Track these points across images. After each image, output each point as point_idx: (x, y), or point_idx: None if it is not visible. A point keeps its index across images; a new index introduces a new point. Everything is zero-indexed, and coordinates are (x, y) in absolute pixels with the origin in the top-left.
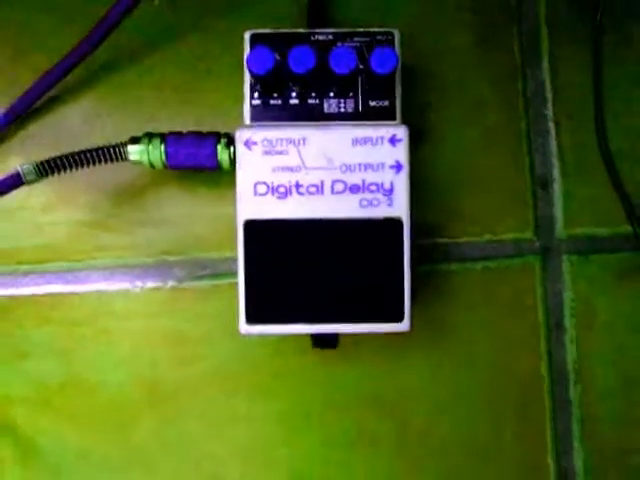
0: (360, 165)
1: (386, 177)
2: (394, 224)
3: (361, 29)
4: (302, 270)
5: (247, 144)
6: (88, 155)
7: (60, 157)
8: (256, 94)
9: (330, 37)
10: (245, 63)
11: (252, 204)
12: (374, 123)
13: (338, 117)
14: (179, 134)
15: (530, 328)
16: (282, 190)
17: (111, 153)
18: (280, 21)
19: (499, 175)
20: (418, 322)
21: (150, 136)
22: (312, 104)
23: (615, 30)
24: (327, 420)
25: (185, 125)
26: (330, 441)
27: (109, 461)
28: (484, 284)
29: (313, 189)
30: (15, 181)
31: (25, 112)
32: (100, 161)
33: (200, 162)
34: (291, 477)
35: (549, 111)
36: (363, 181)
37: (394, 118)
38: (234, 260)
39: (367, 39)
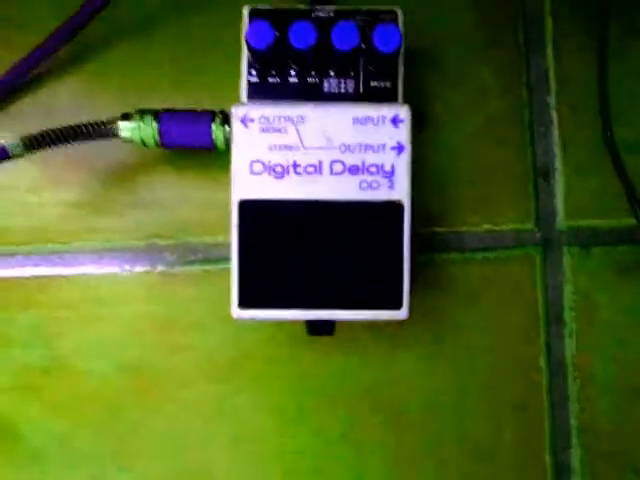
0: (360, 145)
1: (387, 159)
2: (394, 207)
3: (364, 7)
4: (298, 253)
5: (243, 121)
6: (77, 130)
7: (47, 132)
8: (254, 71)
9: (331, 14)
10: (244, 38)
11: (247, 183)
12: (375, 104)
13: (338, 97)
14: (173, 111)
15: (529, 321)
16: (279, 169)
17: (101, 129)
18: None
19: (500, 164)
20: (415, 312)
21: (142, 113)
22: (311, 83)
23: (621, 19)
24: (320, 411)
25: (180, 104)
26: (323, 433)
27: (93, 449)
28: (483, 275)
29: (311, 169)
30: (0, 155)
31: (13, 88)
32: (89, 137)
33: (194, 141)
34: (282, 470)
35: (552, 100)
36: (363, 162)
37: (396, 100)
38: (226, 245)
39: (369, 18)
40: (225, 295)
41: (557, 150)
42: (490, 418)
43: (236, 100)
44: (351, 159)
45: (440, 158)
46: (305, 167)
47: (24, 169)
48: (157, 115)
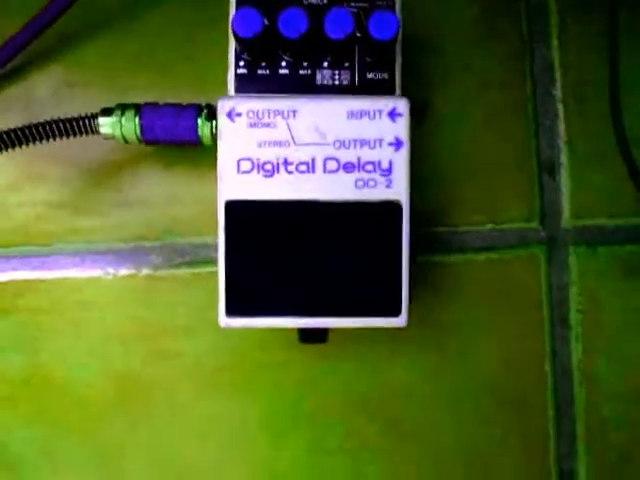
0: (355, 141)
1: (384, 155)
2: (392, 207)
3: None
4: (289, 257)
5: (230, 115)
6: (54, 126)
7: (22, 128)
8: (242, 62)
9: (324, 1)
10: (230, 26)
11: (235, 183)
12: (372, 96)
13: (332, 89)
14: (155, 105)
15: (533, 324)
16: (268, 167)
17: (80, 125)
18: None
19: (503, 159)
20: (414, 317)
21: (123, 107)
22: (304, 75)
23: (631, 6)
24: (314, 421)
25: (164, 97)
26: (317, 443)
27: (76, 460)
28: (486, 276)
29: (303, 167)
30: None
31: None
32: (68, 134)
33: (179, 136)
34: None
35: (557, 92)
36: (359, 159)
37: (393, 92)
38: (215, 246)
39: (365, 4)
40: (214, 299)
41: (563, 144)
42: (492, 426)
43: (224, 93)
44: (346, 156)
45: (440, 153)
46: (297, 165)
47: (1, 168)
48: (139, 109)
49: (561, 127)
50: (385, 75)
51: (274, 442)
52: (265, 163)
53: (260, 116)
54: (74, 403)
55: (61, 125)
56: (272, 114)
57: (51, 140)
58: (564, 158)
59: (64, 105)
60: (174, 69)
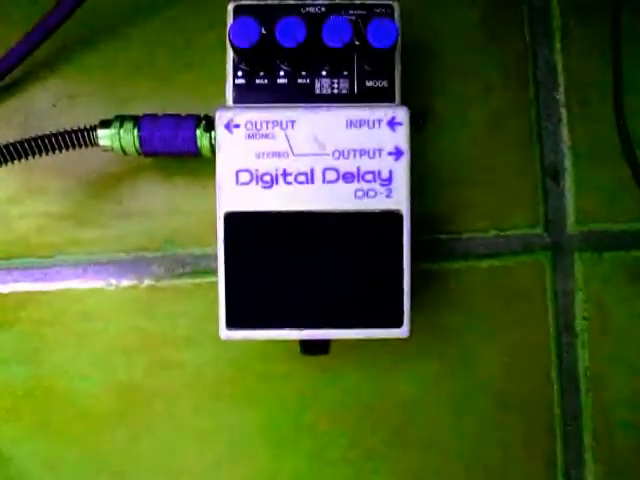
0: (355, 151)
1: (384, 165)
2: (393, 217)
3: (357, 1)
4: (289, 269)
5: (228, 127)
6: (53, 140)
7: (21, 141)
8: (240, 73)
9: (322, 9)
10: (227, 36)
11: (234, 194)
12: (371, 105)
13: (331, 98)
14: (154, 117)
15: (539, 331)
16: (267, 179)
17: (79, 138)
18: None
19: (506, 165)
20: (417, 326)
21: (122, 119)
22: (302, 84)
23: (634, 9)
24: (316, 432)
25: (163, 106)
26: (319, 454)
27: (78, 472)
28: (489, 283)
29: (302, 178)
30: None
31: None
32: (67, 147)
33: (178, 147)
34: None
35: (561, 95)
36: (358, 169)
37: (393, 101)
38: (216, 257)
39: (364, 12)
40: (215, 309)
41: (566, 149)
42: (497, 434)
43: (223, 101)
44: (345, 166)
45: (442, 159)
46: (295, 176)
47: (3, 181)
48: (137, 121)
49: (564, 131)
50: (384, 83)
51: (276, 453)
52: (264, 174)
53: (258, 127)
54: (76, 414)
55: (60, 138)
56: (270, 125)
57: (50, 153)
58: (568, 163)
59: (64, 117)
60: (174, 78)
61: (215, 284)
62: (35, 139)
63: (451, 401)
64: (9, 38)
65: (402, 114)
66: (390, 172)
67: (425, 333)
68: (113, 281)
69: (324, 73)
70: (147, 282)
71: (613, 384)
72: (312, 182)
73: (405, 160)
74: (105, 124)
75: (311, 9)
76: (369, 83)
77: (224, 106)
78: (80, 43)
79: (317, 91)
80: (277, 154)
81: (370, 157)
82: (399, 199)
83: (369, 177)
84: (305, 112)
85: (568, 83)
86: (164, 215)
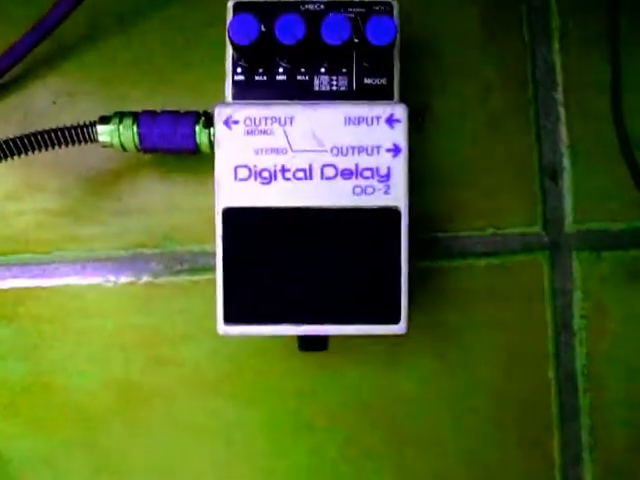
0: (353, 148)
1: (382, 161)
2: (391, 214)
3: None
4: (287, 265)
5: (227, 123)
6: (52, 135)
7: (21, 137)
8: (239, 69)
9: (321, 7)
10: (227, 33)
11: (232, 190)
12: (369, 102)
13: (329, 95)
14: (153, 113)
15: (536, 330)
16: (266, 175)
17: (78, 134)
18: None
19: (505, 164)
20: (415, 323)
21: (121, 115)
22: (301, 81)
23: (632, 9)
24: (316, 428)
25: (163, 105)
26: (319, 451)
27: (75, 468)
28: (487, 282)
29: (300, 174)
30: None
31: None
32: (67, 143)
33: (177, 144)
34: None
35: (559, 95)
36: (356, 165)
37: (391, 98)
38: (214, 254)
39: (363, 10)
40: (213, 306)
41: (565, 149)
42: (495, 432)
43: (222, 99)
44: (344, 162)
45: (441, 158)
46: (294, 172)
47: (1, 177)
48: (137, 117)
49: (563, 131)
50: (383, 80)
51: (274, 450)
52: (262, 170)
53: (257, 123)
54: (74, 411)
55: (59, 134)
56: (269, 121)
57: (50, 149)
58: (566, 162)
59: (63, 114)
60: (173, 76)
61: (213, 281)
62: (35, 134)
63: (449, 399)
64: (8, 37)
65: (400, 111)
66: (388, 169)
67: (423, 331)
68: (111, 278)
69: (323, 70)
70: (145, 279)
71: (611, 383)
72: (310, 178)
73: (403, 157)
74: (104, 120)
75: (310, 6)
76: (368, 80)
77: (223, 102)
78: (80, 41)
79: (316, 88)
80: (276, 150)
81: (368, 154)
82: (397, 196)
83: (367, 174)
84: (304, 109)
85: (567, 83)
86: (163, 212)
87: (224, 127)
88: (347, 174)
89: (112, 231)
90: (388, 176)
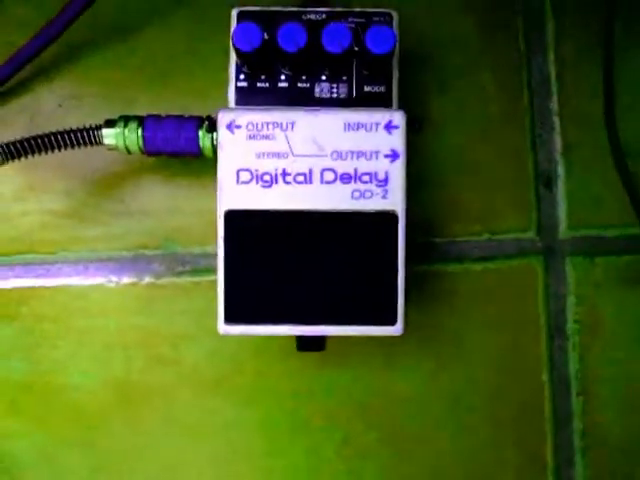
0: (352, 153)
1: (380, 166)
2: (388, 218)
3: (357, 9)
4: (287, 266)
5: (230, 127)
6: (59, 137)
7: (28, 139)
8: (242, 76)
9: (323, 16)
10: (230, 40)
11: (234, 193)
12: (369, 109)
13: (330, 102)
14: (158, 117)
15: (531, 334)
16: (267, 178)
17: (84, 136)
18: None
19: (500, 170)
20: (412, 326)
21: (127, 119)
22: (302, 87)
23: (627, 21)
24: (312, 428)
25: (167, 110)
26: (315, 451)
27: (75, 467)
28: (483, 286)
29: (301, 178)
30: None
31: None
32: (72, 145)
33: (180, 147)
34: None
35: (554, 104)
36: (355, 170)
37: (390, 105)
38: (215, 255)
39: (363, 19)
40: (214, 307)
41: (559, 156)
42: (490, 435)
43: (225, 105)
44: (343, 167)
45: (437, 164)
46: (295, 176)
47: (7, 178)
48: (141, 121)
49: (557, 139)
50: (382, 88)
51: (272, 449)
52: (264, 174)
53: (259, 128)
54: (75, 410)
55: (65, 136)
56: (271, 126)
57: (56, 151)
58: (561, 170)
59: (69, 117)
60: (177, 81)
61: (214, 283)
62: (41, 137)
63: (445, 400)
64: (15, 39)
65: (399, 118)
66: (386, 174)
67: (420, 333)
68: (114, 278)
69: (324, 77)
70: (147, 280)
71: (603, 387)
72: (310, 182)
73: (401, 162)
74: (110, 123)
75: (312, 16)
76: (367, 88)
77: (226, 107)
78: (86, 45)
79: (317, 95)
80: (277, 154)
81: (367, 159)
82: (395, 200)
83: (366, 178)
84: (305, 114)
85: (561, 92)
86: (165, 214)
87: (227, 131)
88: (346, 178)
89: (115, 232)
90: (386, 181)
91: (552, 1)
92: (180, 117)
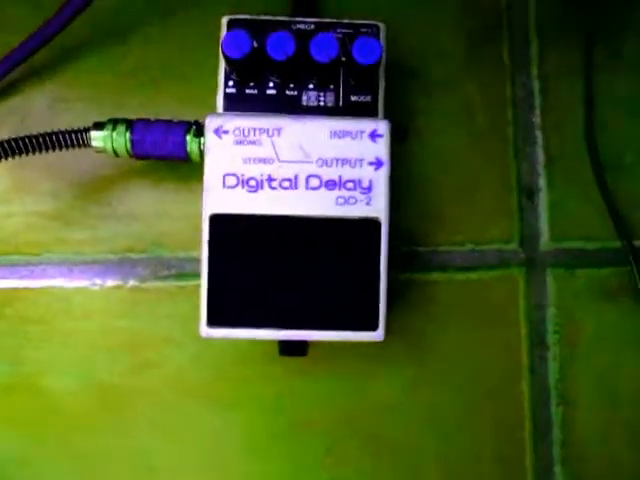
0: (337, 160)
1: (365, 174)
2: (371, 224)
3: (345, 20)
4: (271, 270)
5: (217, 132)
6: (47, 139)
7: (15, 139)
8: (231, 82)
9: (312, 27)
10: (220, 47)
11: (220, 197)
12: (354, 118)
13: (317, 110)
14: (146, 121)
15: (511, 344)
16: (253, 183)
17: (72, 138)
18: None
19: (484, 182)
20: (394, 334)
21: (115, 122)
22: (290, 95)
23: (606, 39)
24: (294, 434)
25: (158, 115)
26: (296, 458)
27: (54, 471)
28: (465, 295)
29: (286, 183)
30: None
31: None
32: (60, 146)
33: (168, 152)
34: None
35: (537, 118)
36: (340, 177)
37: (376, 115)
38: (201, 259)
39: (351, 30)
40: (198, 312)
41: (542, 169)
42: (470, 444)
43: (214, 110)
44: (328, 174)
45: (422, 174)
46: (280, 181)
47: None
48: (130, 125)
49: (540, 152)
50: (368, 98)
51: (253, 455)
52: (250, 179)
53: (246, 134)
54: (57, 412)
55: (53, 137)
56: (258, 132)
57: (43, 152)
58: (543, 182)
59: (59, 119)
60: (167, 87)
61: (199, 287)
62: (29, 137)
63: (426, 408)
64: (8, 40)
65: (383, 127)
66: (370, 181)
67: (402, 340)
68: (98, 281)
69: (311, 86)
70: (132, 283)
71: (583, 397)
72: (296, 188)
73: (385, 170)
74: (98, 126)
75: (301, 26)
76: (354, 97)
77: (214, 113)
78: (79, 48)
79: (304, 103)
80: (263, 160)
81: (352, 166)
82: (378, 207)
83: (350, 185)
84: (292, 121)
85: (544, 107)
86: (152, 218)
87: (214, 136)
88: (331, 185)
89: (101, 235)
90: (370, 188)
91: (536, 19)
92: (169, 121)
